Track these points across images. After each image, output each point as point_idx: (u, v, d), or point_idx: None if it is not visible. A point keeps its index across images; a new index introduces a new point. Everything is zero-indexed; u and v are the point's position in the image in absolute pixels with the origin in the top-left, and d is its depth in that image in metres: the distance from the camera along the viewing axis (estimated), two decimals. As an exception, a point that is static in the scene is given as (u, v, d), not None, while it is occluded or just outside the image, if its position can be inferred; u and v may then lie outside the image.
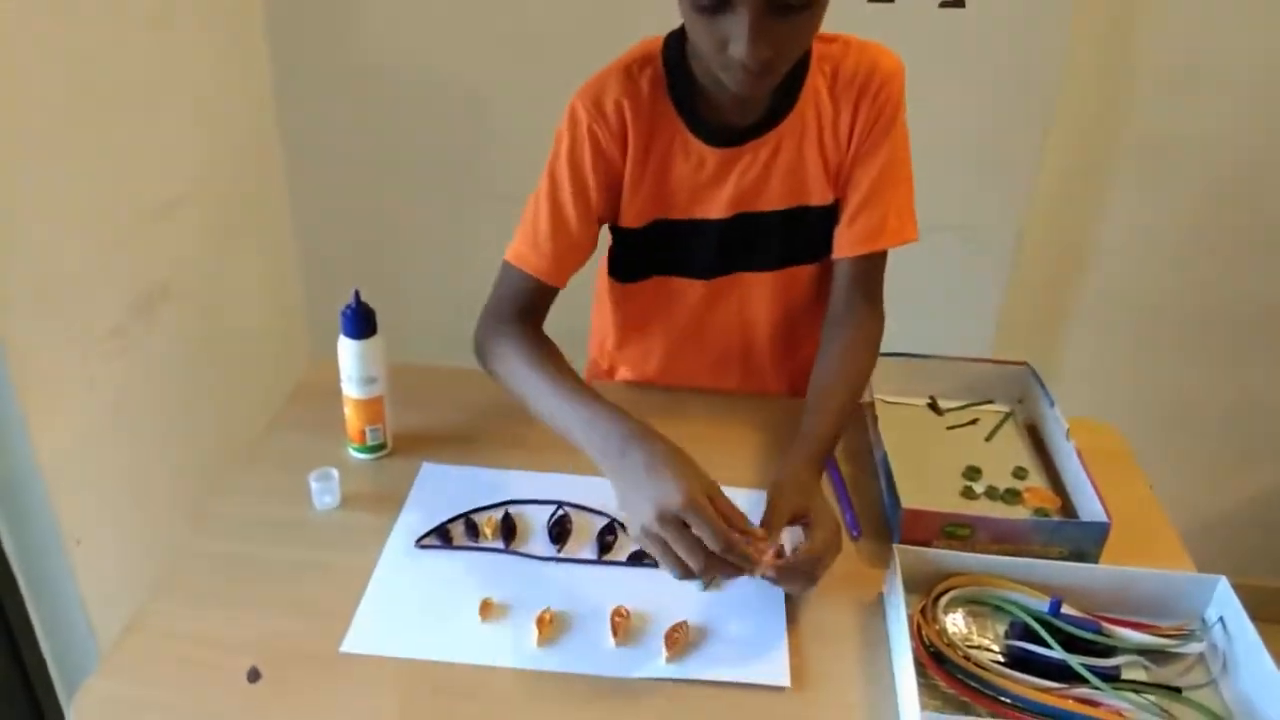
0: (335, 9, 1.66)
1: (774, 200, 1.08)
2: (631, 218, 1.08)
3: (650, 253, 1.12)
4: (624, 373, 1.28)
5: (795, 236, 1.11)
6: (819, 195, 1.09)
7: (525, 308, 1.07)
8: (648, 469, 0.85)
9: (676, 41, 1.04)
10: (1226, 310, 1.81)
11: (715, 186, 1.07)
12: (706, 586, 0.89)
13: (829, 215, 1.11)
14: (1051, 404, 1.11)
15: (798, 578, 0.88)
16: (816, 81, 1.05)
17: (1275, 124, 1.64)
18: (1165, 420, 1.91)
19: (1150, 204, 1.74)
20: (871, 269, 1.12)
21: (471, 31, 1.66)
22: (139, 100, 1.35)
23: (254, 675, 0.81)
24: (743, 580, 0.90)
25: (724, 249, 1.11)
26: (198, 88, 1.51)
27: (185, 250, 1.50)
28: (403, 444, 1.09)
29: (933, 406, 1.19)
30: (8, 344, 1.14)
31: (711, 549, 0.81)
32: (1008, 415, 1.18)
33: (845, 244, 1.11)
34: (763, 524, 0.90)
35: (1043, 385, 1.14)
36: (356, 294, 1.01)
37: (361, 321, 1.01)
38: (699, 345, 1.20)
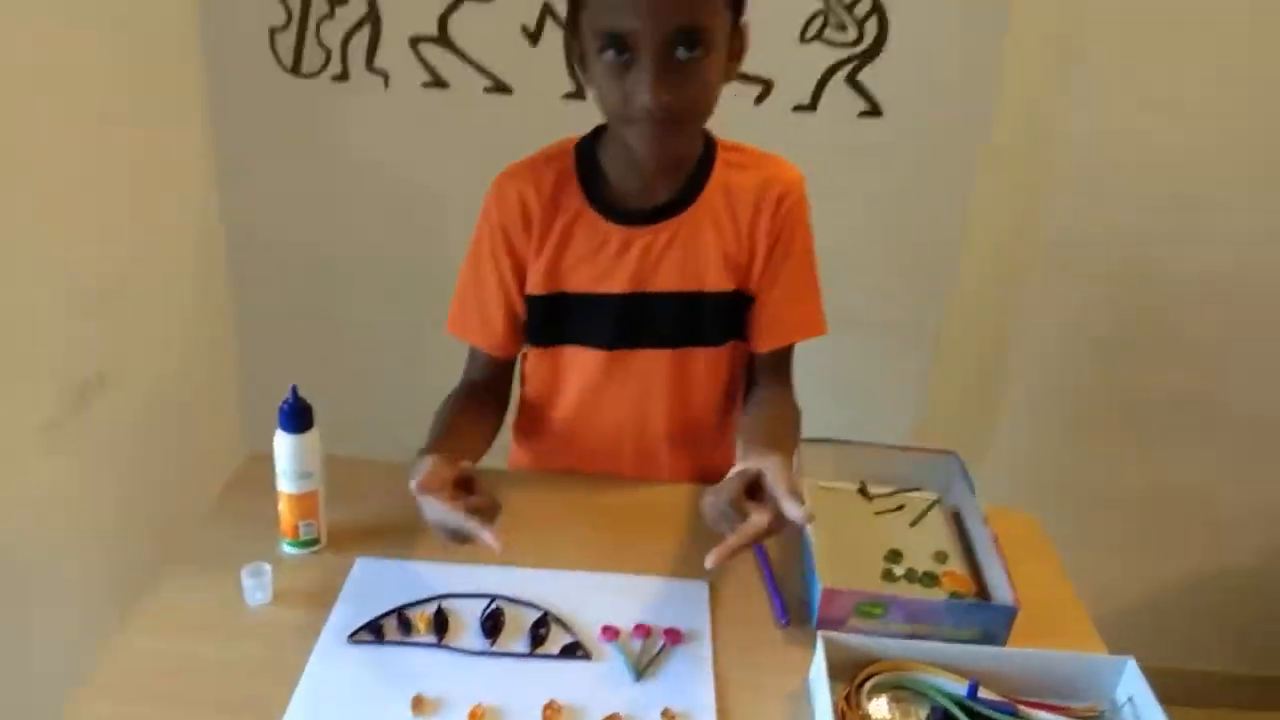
0: (285, 104, 1.70)
1: (670, 282, 1.16)
2: (534, 285, 1.17)
3: (555, 321, 1.19)
4: (518, 454, 1.34)
5: (691, 318, 1.18)
6: (714, 282, 1.16)
7: (479, 379, 1.23)
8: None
9: (590, 137, 1.16)
10: (1137, 401, 1.91)
11: (616, 262, 1.15)
12: (639, 677, 0.91)
13: (725, 303, 1.18)
14: (971, 491, 1.16)
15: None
16: (722, 181, 1.15)
17: (1175, 222, 1.76)
18: (1084, 506, 1.98)
19: (1063, 299, 1.84)
20: (785, 360, 1.25)
21: (424, 130, 1.71)
22: (60, 187, 1.36)
23: (181, 777, 0.81)
24: (674, 672, 0.95)
25: (623, 322, 1.17)
26: (136, 179, 1.52)
27: (120, 341, 1.50)
28: (337, 538, 1.09)
29: (863, 492, 1.23)
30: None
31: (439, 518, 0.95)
32: (934, 502, 1.22)
33: (764, 338, 1.21)
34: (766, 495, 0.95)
35: (965, 474, 1.19)
36: (294, 389, 1.03)
37: (298, 416, 1.02)
38: (596, 418, 1.24)
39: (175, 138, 1.66)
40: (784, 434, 1.15)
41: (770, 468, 0.96)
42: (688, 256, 1.15)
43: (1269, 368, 1.88)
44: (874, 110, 1.67)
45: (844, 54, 1.63)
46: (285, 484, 1.04)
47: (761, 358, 1.24)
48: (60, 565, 1.38)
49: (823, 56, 1.64)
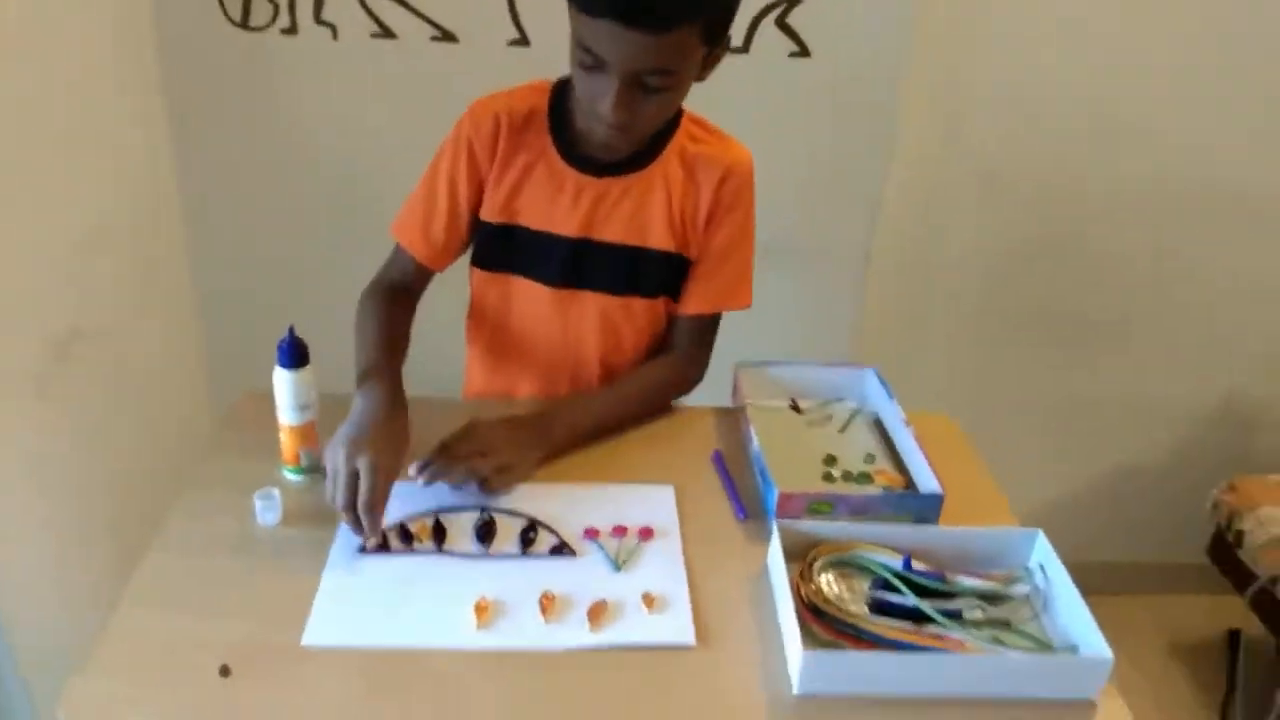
0: (234, 58, 1.74)
1: (617, 233, 1.26)
2: (489, 212, 1.26)
3: (507, 252, 1.29)
4: (471, 362, 1.42)
5: (632, 271, 1.28)
6: (658, 241, 1.27)
7: (400, 281, 1.31)
8: (356, 419, 1.08)
9: (564, 85, 1.22)
10: (1056, 314, 2.09)
11: (570, 207, 1.25)
12: (619, 568, 1.04)
13: (665, 262, 1.28)
14: (890, 398, 1.31)
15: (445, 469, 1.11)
16: (679, 148, 1.25)
17: (1092, 146, 1.92)
18: (1007, 413, 2.17)
19: (983, 223, 2.00)
20: (704, 326, 1.34)
21: (373, 80, 1.77)
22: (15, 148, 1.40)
23: (225, 671, 0.91)
24: (650, 563, 1.08)
25: (569, 263, 1.27)
26: (82, 134, 1.56)
27: (92, 297, 1.56)
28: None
29: (794, 407, 1.37)
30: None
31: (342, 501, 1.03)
32: (856, 411, 1.37)
33: (688, 302, 1.31)
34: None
35: (884, 384, 1.34)
36: (291, 329, 1.11)
37: (295, 353, 1.11)
38: (535, 351, 1.35)
39: (129, 95, 1.69)
40: (607, 398, 1.29)
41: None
42: (635, 213, 1.25)
43: (1181, 283, 2.06)
44: (803, 51, 1.78)
45: (773, -1, 1.74)
46: (285, 416, 1.14)
47: (680, 320, 1.33)
48: (52, 516, 1.45)
49: (754, 2, 1.74)
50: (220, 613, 0.98)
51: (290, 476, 1.17)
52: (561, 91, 1.24)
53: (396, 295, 1.30)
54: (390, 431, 1.09)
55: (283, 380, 1.12)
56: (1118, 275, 2.06)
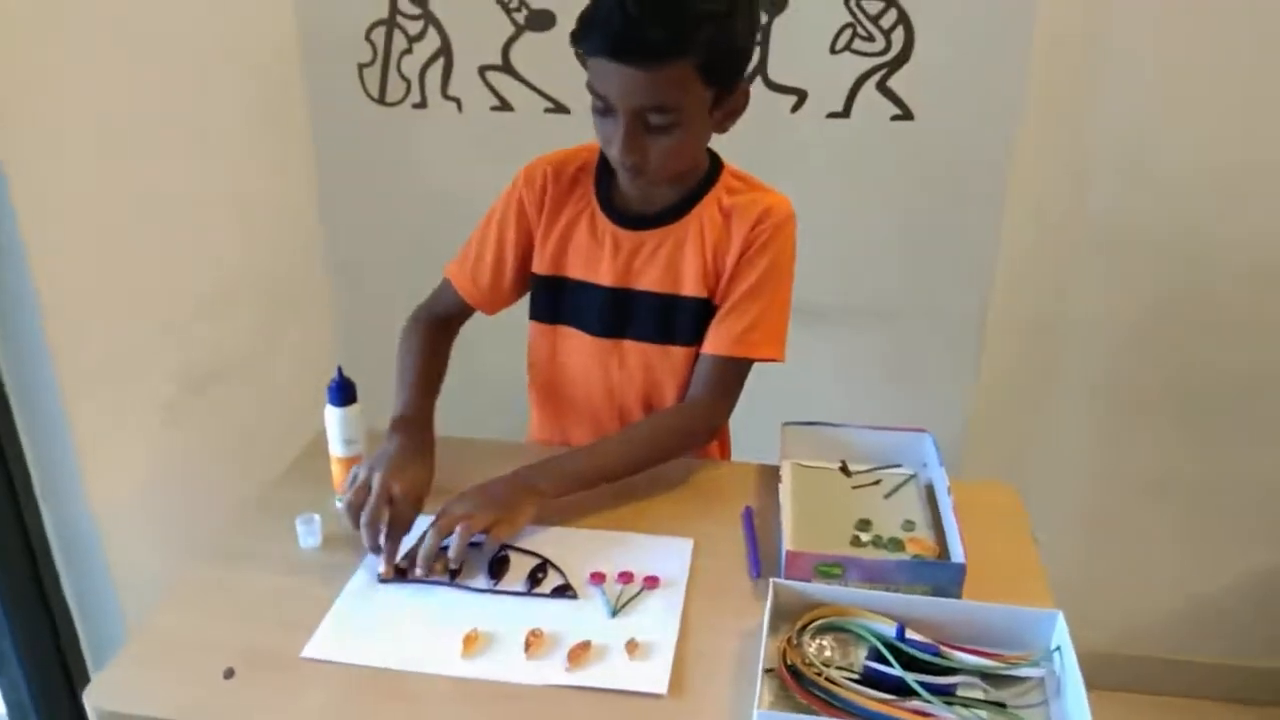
0: (373, 130, 1.93)
1: (652, 282, 1.31)
2: (539, 264, 1.34)
3: (555, 302, 1.35)
4: (534, 414, 1.48)
5: (669, 319, 1.31)
6: (691, 288, 1.30)
7: (444, 314, 1.40)
8: (391, 452, 1.18)
9: None
10: (1189, 387, 1.92)
11: (610, 259, 1.30)
12: (615, 614, 1.06)
13: (698, 309, 1.30)
14: (940, 464, 1.26)
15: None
16: (717, 199, 1.28)
17: (1217, 210, 1.78)
18: (1133, 495, 2.00)
19: (1107, 289, 1.87)
20: (724, 372, 1.29)
21: (493, 148, 1.90)
22: (193, 214, 1.62)
23: (229, 673, 1.00)
24: (647, 611, 1.09)
25: (610, 312, 1.32)
26: (243, 195, 1.77)
27: (232, 339, 1.75)
28: (384, 497, 1.28)
29: (844, 469, 1.34)
30: (73, 416, 1.38)
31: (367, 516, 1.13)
32: (910, 477, 1.32)
33: (706, 342, 1.30)
34: None
35: (937, 449, 1.29)
36: (339, 370, 1.22)
37: (343, 392, 1.22)
38: (584, 399, 1.39)
39: (283, 161, 1.91)
40: (608, 445, 1.30)
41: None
42: (670, 262, 1.30)
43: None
44: (905, 114, 1.76)
45: (873, 62, 1.74)
46: (334, 449, 1.24)
47: (700, 361, 1.31)
48: (172, 525, 1.62)
49: (853, 66, 1.75)
50: (241, 621, 1.08)
51: (340, 505, 1.27)
52: None
53: (439, 325, 1.40)
54: (423, 467, 1.20)
55: (332, 417, 1.22)
56: (1255, 344, 1.87)
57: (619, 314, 1.33)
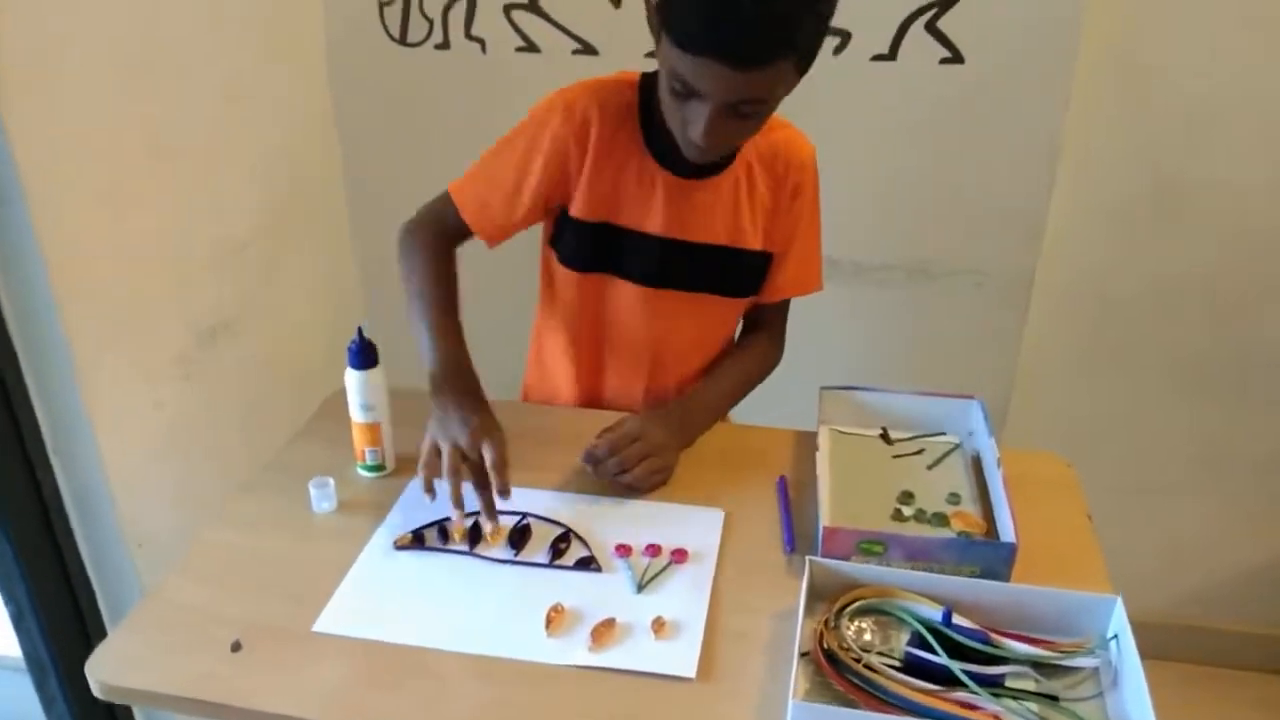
0: (394, 72, 1.85)
1: (710, 234, 1.24)
2: (582, 210, 1.24)
3: (601, 251, 1.27)
4: (535, 379, 1.43)
5: (725, 271, 1.27)
6: (751, 240, 1.25)
7: (445, 231, 1.28)
8: (446, 409, 1.12)
9: (650, 80, 1.21)
10: (1240, 356, 1.82)
11: (661, 207, 1.23)
12: (640, 589, 1.01)
13: (760, 262, 1.28)
14: (989, 434, 1.18)
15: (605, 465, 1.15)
16: (755, 144, 1.22)
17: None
18: (1180, 468, 1.92)
19: (1164, 244, 1.77)
20: (778, 313, 1.37)
21: (519, 92, 1.81)
22: (206, 156, 1.56)
23: (236, 646, 0.96)
24: (674, 587, 1.03)
25: (661, 262, 1.25)
26: (263, 145, 1.71)
27: (247, 287, 1.70)
28: (408, 464, 1.20)
29: (884, 437, 1.27)
30: (81, 370, 1.34)
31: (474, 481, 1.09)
32: (955, 447, 1.25)
33: (775, 289, 1.32)
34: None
35: (987, 417, 1.21)
36: (360, 331, 1.16)
37: (364, 355, 1.16)
38: (617, 349, 1.33)
39: (301, 104, 1.84)
40: (717, 387, 1.32)
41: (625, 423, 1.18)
42: (725, 214, 1.24)
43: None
44: (955, 57, 1.66)
45: (922, 1, 1.63)
46: (355, 414, 1.18)
47: (766, 309, 1.36)
48: (185, 481, 1.58)
49: (900, 4, 1.64)
50: (250, 590, 1.03)
51: (360, 472, 1.21)
52: (648, 88, 1.21)
53: (444, 248, 1.28)
54: (495, 423, 1.14)
55: (352, 380, 1.16)
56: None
57: (670, 264, 1.26)
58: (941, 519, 1.12)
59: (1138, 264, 1.80)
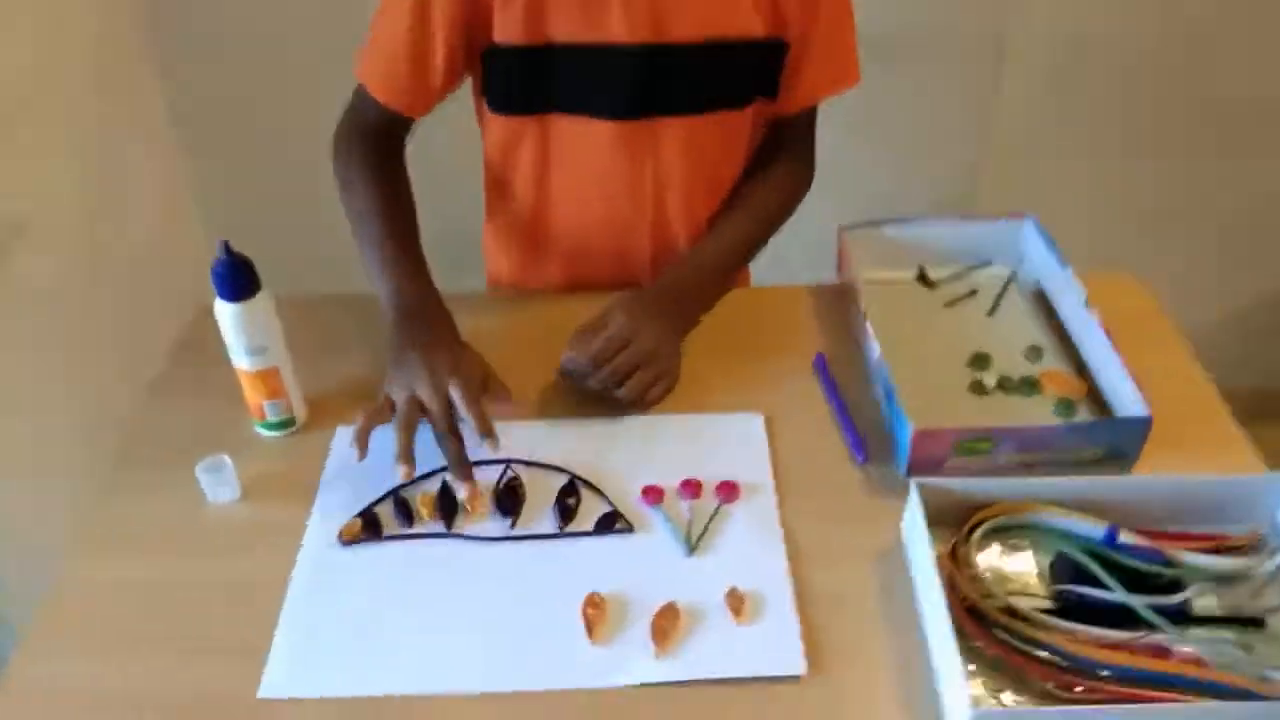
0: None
1: (692, 28, 0.91)
2: (506, 31, 0.91)
3: (541, 81, 0.94)
4: (497, 260, 1.11)
5: (721, 74, 0.95)
6: (744, 26, 0.92)
7: (382, 134, 0.99)
8: (404, 354, 0.85)
9: None
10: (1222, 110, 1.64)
11: (623, 5, 0.89)
12: (692, 550, 0.75)
13: (757, 52, 0.95)
14: (1063, 266, 0.94)
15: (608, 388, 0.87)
16: None
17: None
18: (1158, 227, 1.76)
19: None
20: (804, 124, 1.05)
21: None
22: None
23: (154, 745, 0.66)
24: (735, 539, 0.78)
25: (638, 83, 0.93)
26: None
27: (43, 179, 1.26)
28: (322, 409, 0.90)
29: (923, 279, 1.02)
30: None
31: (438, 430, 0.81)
32: (1009, 280, 1.01)
33: (800, 93, 1.00)
34: None
35: (1051, 243, 0.97)
36: (225, 246, 0.80)
37: (237, 278, 0.80)
38: (600, 211, 1.02)
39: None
40: (720, 243, 1.01)
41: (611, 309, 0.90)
42: None
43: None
44: None
45: None
46: (239, 360, 0.84)
47: (790, 119, 1.03)
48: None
49: None
50: (150, 649, 0.71)
51: (261, 432, 0.89)
52: None
53: (381, 152, 0.99)
54: (469, 353, 0.87)
55: (225, 315, 0.82)
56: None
57: (649, 82, 0.93)
58: (1031, 384, 0.90)
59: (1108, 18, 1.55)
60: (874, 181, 1.58)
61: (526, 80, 0.93)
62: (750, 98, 0.99)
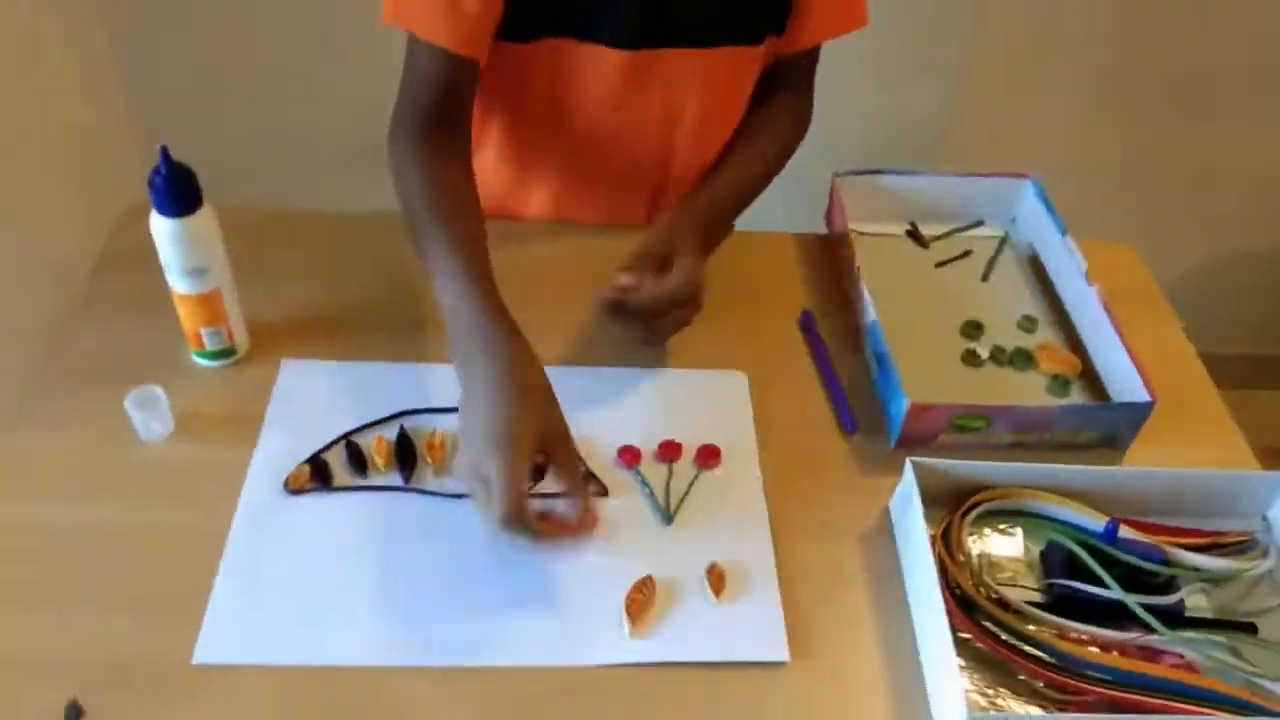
0: None
1: None
2: None
3: (548, 8, 0.85)
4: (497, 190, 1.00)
5: (731, 7, 0.89)
6: None
7: (441, 103, 0.84)
8: (471, 410, 0.67)
9: None
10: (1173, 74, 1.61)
11: None
12: (670, 519, 0.70)
13: None
14: (1062, 232, 0.90)
15: (645, 325, 0.80)
16: None
17: None
18: (1118, 183, 1.74)
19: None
20: (807, 61, 1.00)
21: None
22: None
23: (73, 713, 0.60)
24: (719, 505, 0.73)
25: (647, 11, 0.85)
26: None
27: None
28: (266, 339, 0.82)
29: (914, 235, 0.97)
30: None
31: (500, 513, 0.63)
32: (1003, 241, 0.97)
33: (809, 30, 0.94)
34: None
35: (1049, 206, 0.93)
36: (164, 152, 0.70)
37: (178, 192, 0.71)
38: (594, 143, 0.94)
39: None
40: (729, 173, 0.94)
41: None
42: None
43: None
44: None
45: None
46: (176, 282, 0.75)
47: (796, 57, 0.97)
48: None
49: None
50: (72, 609, 0.64)
51: (199, 361, 0.80)
52: None
53: (443, 141, 0.84)
54: (548, 403, 0.69)
55: (163, 232, 0.72)
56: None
57: (661, 11, 0.85)
58: (1025, 358, 0.86)
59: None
60: (844, 118, 1.52)
61: (531, 5, 0.84)
62: (763, 34, 0.92)
